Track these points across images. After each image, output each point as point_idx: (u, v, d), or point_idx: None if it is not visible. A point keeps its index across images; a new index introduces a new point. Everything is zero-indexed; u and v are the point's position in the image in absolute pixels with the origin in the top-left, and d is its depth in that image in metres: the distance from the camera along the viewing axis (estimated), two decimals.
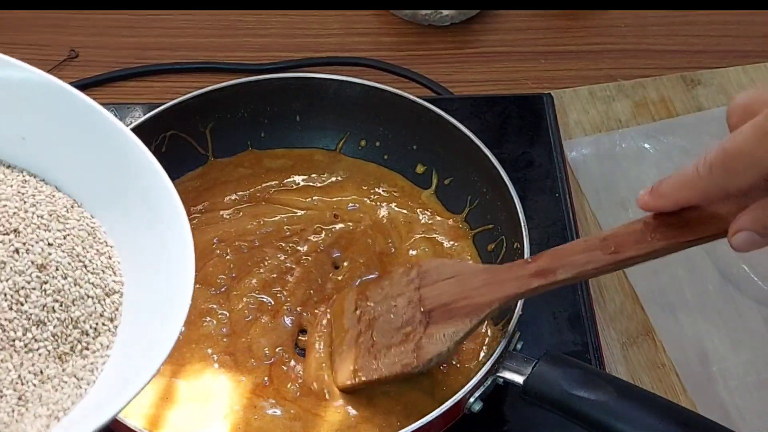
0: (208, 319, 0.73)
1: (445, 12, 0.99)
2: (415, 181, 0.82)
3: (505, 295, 0.61)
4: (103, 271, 0.48)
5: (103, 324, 0.47)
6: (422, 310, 0.64)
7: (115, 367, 0.45)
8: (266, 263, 0.76)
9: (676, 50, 1.01)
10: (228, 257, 0.76)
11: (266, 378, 0.70)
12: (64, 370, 0.45)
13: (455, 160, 0.79)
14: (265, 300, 0.74)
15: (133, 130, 0.77)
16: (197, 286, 0.73)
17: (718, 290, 0.81)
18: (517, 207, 0.72)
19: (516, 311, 0.66)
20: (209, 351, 0.71)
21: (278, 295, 0.74)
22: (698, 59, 0.99)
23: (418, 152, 0.82)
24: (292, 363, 0.71)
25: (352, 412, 0.68)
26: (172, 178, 0.79)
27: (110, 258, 0.49)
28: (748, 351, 0.78)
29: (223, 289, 0.75)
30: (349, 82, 0.81)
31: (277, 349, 0.71)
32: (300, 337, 0.73)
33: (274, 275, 0.75)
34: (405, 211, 0.80)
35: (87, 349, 0.46)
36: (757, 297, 0.80)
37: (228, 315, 0.73)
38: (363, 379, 0.66)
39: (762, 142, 0.42)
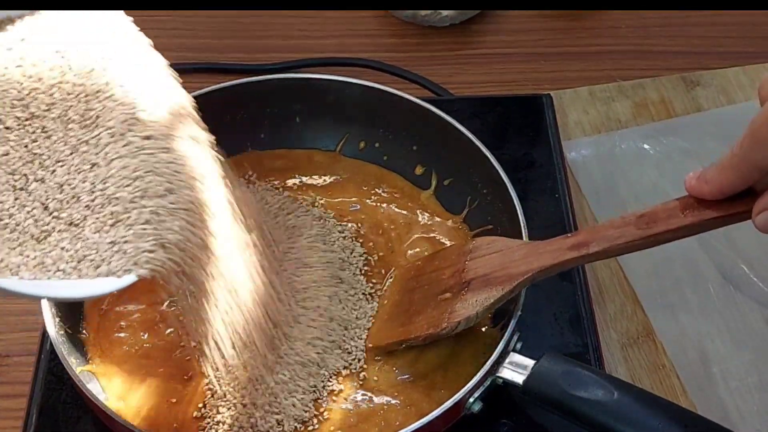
0: None
1: (445, 12, 0.99)
2: (415, 182, 0.82)
3: (540, 266, 0.63)
4: None
5: None
6: (463, 279, 0.66)
7: None
8: None
9: (676, 51, 1.01)
10: None
11: None
12: None
13: (455, 161, 0.79)
14: None
15: None
16: None
17: (718, 291, 0.81)
18: (517, 208, 0.72)
19: (516, 311, 0.66)
20: None
21: None
22: (698, 60, 0.99)
23: (417, 153, 0.82)
24: None
25: (353, 410, 0.68)
26: None
27: None
28: (748, 352, 0.78)
29: None
30: (348, 83, 0.81)
31: None
32: None
33: None
34: (405, 212, 0.80)
35: None
36: (757, 297, 0.80)
37: None
38: (393, 339, 0.68)
39: None
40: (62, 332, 0.68)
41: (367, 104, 0.81)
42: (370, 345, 0.70)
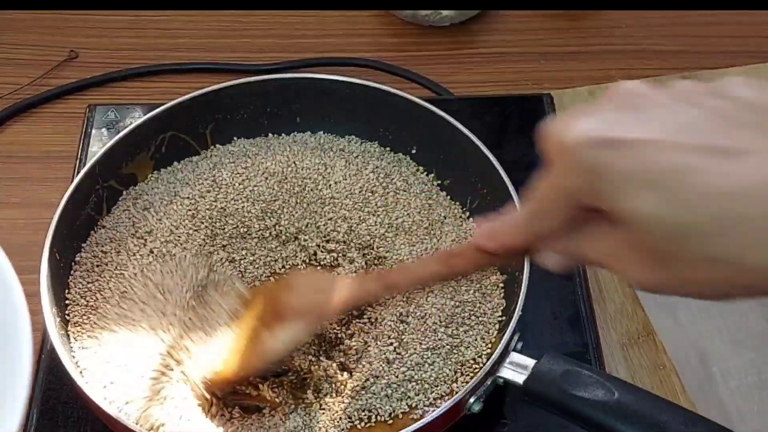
0: None
1: (445, 12, 0.99)
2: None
3: (343, 300, 0.66)
4: None
5: None
6: (277, 314, 0.67)
7: None
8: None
9: (676, 51, 1.01)
10: None
11: None
12: None
13: (455, 161, 0.79)
14: None
15: (133, 130, 0.77)
16: None
17: None
18: (517, 206, 0.71)
19: (516, 311, 0.66)
20: None
21: None
22: (698, 60, 0.99)
23: (417, 153, 0.82)
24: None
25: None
26: None
27: None
28: (748, 351, 0.78)
29: None
30: (348, 82, 0.81)
31: None
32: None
33: None
34: None
35: None
36: None
37: None
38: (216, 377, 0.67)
39: (554, 194, 0.46)
40: (62, 332, 0.68)
41: (367, 104, 0.81)
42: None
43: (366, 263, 0.74)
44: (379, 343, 0.69)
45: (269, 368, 0.68)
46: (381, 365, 0.67)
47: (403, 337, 0.69)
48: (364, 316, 0.72)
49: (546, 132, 0.44)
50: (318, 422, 0.66)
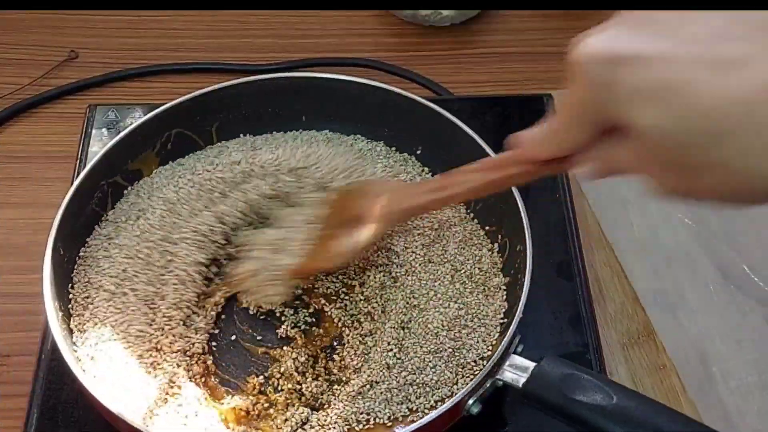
0: None
1: (446, 12, 0.99)
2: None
3: (402, 208, 0.69)
4: None
5: None
6: (343, 218, 0.71)
7: None
8: None
9: None
10: None
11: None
12: None
13: (457, 161, 0.78)
14: None
15: (139, 126, 0.77)
16: None
17: (718, 290, 0.81)
18: (520, 208, 0.71)
19: (517, 314, 0.66)
20: None
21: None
22: None
23: (420, 153, 0.82)
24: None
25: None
26: None
27: None
28: (748, 351, 0.78)
29: None
30: (351, 82, 0.81)
31: None
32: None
33: None
34: None
35: None
36: (757, 297, 0.80)
37: None
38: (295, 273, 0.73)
39: (573, 109, 0.47)
40: (65, 326, 0.68)
41: (369, 103, 0.81)
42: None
43: (378, 265, 0.75)
44: (378, 348, 0.69)
45: (343, 264, 0.73)
46: (381, 371, 0.67)
47: (403, 342, 0.69)
48: (365, 321, 0.72)
49: (569, 49, 0.46)
50: (315, 424, 0.66)
